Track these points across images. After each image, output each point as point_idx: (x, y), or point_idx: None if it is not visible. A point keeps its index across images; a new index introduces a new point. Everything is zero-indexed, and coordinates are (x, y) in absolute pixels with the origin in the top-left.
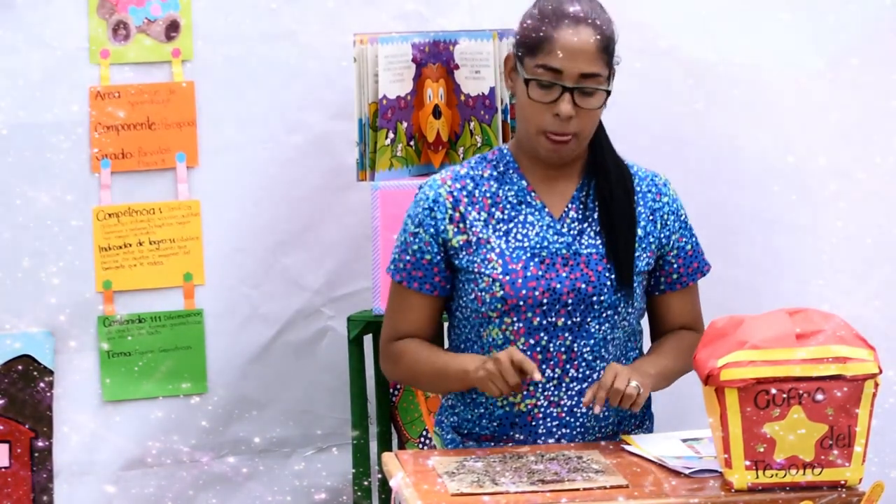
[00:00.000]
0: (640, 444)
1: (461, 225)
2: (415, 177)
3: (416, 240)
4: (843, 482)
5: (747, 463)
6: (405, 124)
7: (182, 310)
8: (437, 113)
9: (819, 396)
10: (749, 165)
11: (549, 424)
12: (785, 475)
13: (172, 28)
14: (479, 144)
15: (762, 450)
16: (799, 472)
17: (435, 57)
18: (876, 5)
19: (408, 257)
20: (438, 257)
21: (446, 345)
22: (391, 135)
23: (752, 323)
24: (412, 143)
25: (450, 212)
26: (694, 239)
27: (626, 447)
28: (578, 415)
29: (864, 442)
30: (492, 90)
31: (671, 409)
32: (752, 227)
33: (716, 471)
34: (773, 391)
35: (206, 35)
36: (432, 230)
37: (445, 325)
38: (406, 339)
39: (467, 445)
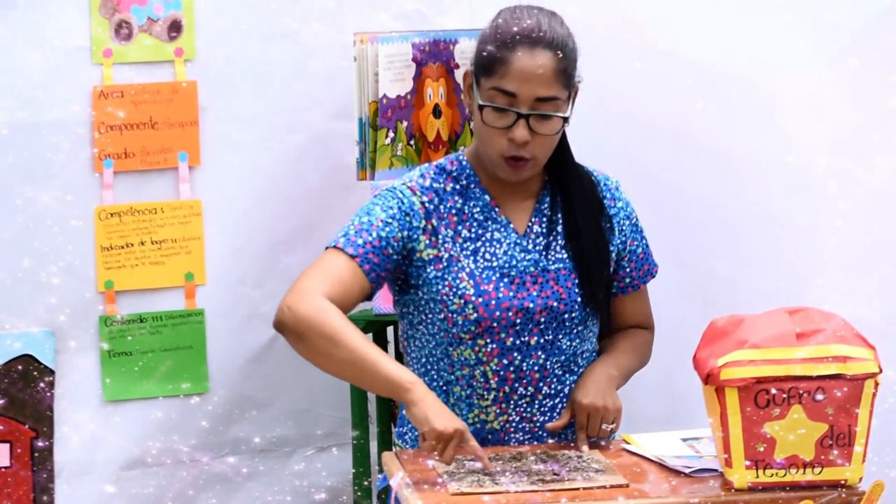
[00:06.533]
0: (640, 443)
1: (433, 238)
2: None
3: (387, 229)
4: (843, 481)
5: (747, 462)
6: (405, 123)
7: (183, 309)
8: (437, 112)
9: (819, 396)
10: (749, 165)
11: (520, 439)
12: (785, 475)
13: (174, 28)
14: None
15: (762, 449)
16: (799, 471)
17: (435, 56)
18: (876, 5)
19: (370, 238)
20: (396, 257)
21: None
22: (391, 134)
23: (752, 322)
24: (412, 142)
25: (423, 222)
26: (644, 241)
27: (626, 447)
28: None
29: (864, 441)
30: None
31: (671, 409)
32: (752, 227)
33: (716, 470)
34: (774, 391)
35: (208, 34)
36: (406, 232)
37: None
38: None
39: None
